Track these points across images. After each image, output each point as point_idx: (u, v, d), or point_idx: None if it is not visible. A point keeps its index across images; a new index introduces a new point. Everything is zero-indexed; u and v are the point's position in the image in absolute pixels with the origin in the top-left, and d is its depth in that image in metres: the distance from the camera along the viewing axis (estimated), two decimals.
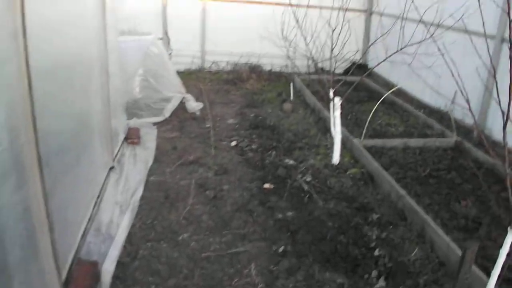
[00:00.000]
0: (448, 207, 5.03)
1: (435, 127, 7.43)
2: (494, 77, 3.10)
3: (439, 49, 4.78)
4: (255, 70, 10.75)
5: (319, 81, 8.97)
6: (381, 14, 9.06)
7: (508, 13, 2.69)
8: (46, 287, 3.14)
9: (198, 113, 7.84)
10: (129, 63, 6.82)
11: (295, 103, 8.65)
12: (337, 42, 6.05)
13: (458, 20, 4.92)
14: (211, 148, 6.43)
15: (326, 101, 7.77)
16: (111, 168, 5.44)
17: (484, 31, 3.44)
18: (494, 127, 7.01)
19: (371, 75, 10.67)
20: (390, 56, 5.64)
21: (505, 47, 6.53)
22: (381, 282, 3.86)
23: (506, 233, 2.95)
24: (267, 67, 11.06)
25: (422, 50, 5.99)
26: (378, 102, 6.75)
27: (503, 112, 2.83)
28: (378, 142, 6.62)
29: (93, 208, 4.53)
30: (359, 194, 5.29)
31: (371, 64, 11.11)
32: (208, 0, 10.76)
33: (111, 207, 4.74)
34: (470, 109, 3.43)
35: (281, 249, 4.23)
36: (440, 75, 7.51)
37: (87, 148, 4.47)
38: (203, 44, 11.09)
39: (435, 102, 8.54)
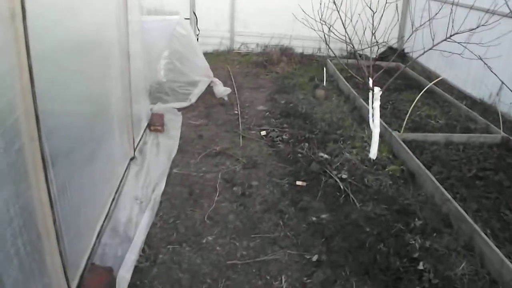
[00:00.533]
0: (499, 215, 4.52)
1: (478, 121, 6.85)
2: None
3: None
4: (286, 52, 10.26)
5: (354, 67, 8.48)
6: None
7: None
8: None
9: (226, 98, 7.42)
10: (153, 45, 6.43)
11: (328, 89, 8.16)
12: (378, 26, 5.54)
13: None
14: (239, 138, 6.02)
15: (362, 89, 7.32)
16: (132, 158, 5.08)
17: None
18: None
19: (407, 60, 10.10)
20: (438, 44, 5.10)
21: None
22: None
23: None
24: (298, 50, 10.56)
25: (467, 38, 5.42)
26: (421, 93, 6.24)
27: None
28: (418, 136, 6.11)
29: (111, 205, 4.19)
30: (399, 195, 4.82)
31: (407, 49, 10.53)
32: None
33: (130, 203, 4.38)
34: None
35: (315, 258, 3.81)
36: (485, 64, 6.94)
37: (105, 139, 4.10)
38: (232, 24, 10.65)
39: (478, 93, 7.94)
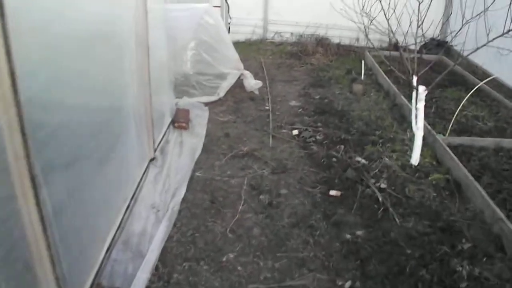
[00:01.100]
0: None
1: None
2: None
3: None
4: (322, 43, 9.73)
5: (395, 59, 7.93)
6: None
7: None
8: None
9: (256, 92, 6.98)
10: (179, 35, 6.02)
11: (366, 84, 7.64)
12: (425, 17, 5.01)
13: None
14: (268, 137, 5.58)
15: (403, 84, 6.78)
16: (152, 159, 4.71)
17: None
18: None
19: (451, 54, 9.45)
20: (493, 40, 4.55)
21: None
22: None
23: None
24: (335, 40, 10.00)
25: None
26: (470, 93, 5.68)
27: None
28: (465, 140, 5.55)
29: (125, 214, 3.82)
30: (444, 209, 4.32)
31: (452, 41, 9.87)
32: None
33: (146, 212, 4.00)
34: None
35: (347, 285, 3.36)
36: None
37: (119, 141, 3.72)
38: (266, 12, 10.18)
39: None
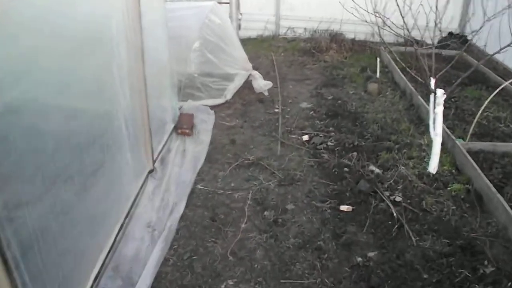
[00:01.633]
0: None
1: None
2: None
3: None
4: (336, 38, 9.30)
5: (412, 55, 7.53)
6: None
7: None
8: None
9: (266, 93, 6.65)
10: (183, 35, 5.71)
11: (381, 82, 7.26)
12: (443, 15, 4.64)
13: None
14: (277, 144, 5.26)
15: (421, 83, 6.39)
16: (151, 171, 4.42)
17: None
18: None
19: (471, 49, 9.00)
20: None
21: None
22: None
23: None
24: (349, 35, 9.57)
25: None
26: (493, 94, 5.29)
27: None
28: (486, 146, 5.16)
29: (117, 234, 3.54)
30: (464, 224, 3.97)
31: (470, 35, 9.43)
32: None
33: (141, 231, 3.73)
34: None
35: None
36: None
37: (109, 157, 3.42)
38: (278, 7, 9.81)
39: None
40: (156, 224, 3.82)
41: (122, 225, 3.64)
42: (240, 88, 6.52)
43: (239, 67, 6.41)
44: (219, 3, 6.75)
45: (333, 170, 4.72)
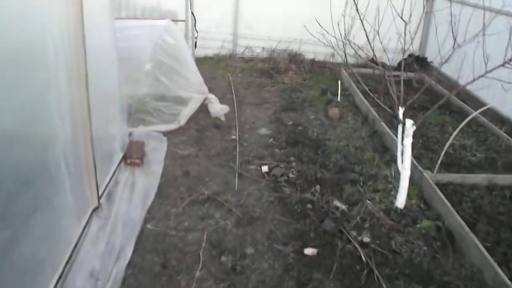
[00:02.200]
0: None
1: None
2: None
3: None
4: (295, 59, 9.06)
5: (373, 78, 7.37)
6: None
7: None
8: None
9: (223, 118, 6.27)
10: (134, 56, 5.31)
11: (342, 106, 7.02)
12: (413, 39, 4.44)
13: None
14: (234, 176, 4.88)
15: (383, 108, 6.19)
16: (95, 209, 3.97)
17: None
18: None
19: (430, 70, 8.94)
20: (491, 70, 3.96)
21: None
22: None
23: None
24: (309, 56, 9.35)
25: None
26: (462, 125, 5.09)
27: None
28: (455, 177, 4.95)
29: (56, 285, 3.08)
30: (437, 266, 3.71)
31: (430, 57, 9.38)
32: None
33: (83, 281, 3.29)
34: None
35: None
36: None
37: (45, 198, 2.97)
38: (236, 25, 9.50)
39: None
40: (100, 272, 3.37)
41: (61, 275, 3.18)
42: (195, 112, 6.13)
43: (194, 90, 6.03)
44: (174, 21, 6.38)
45: (295, 207, 4.38)
